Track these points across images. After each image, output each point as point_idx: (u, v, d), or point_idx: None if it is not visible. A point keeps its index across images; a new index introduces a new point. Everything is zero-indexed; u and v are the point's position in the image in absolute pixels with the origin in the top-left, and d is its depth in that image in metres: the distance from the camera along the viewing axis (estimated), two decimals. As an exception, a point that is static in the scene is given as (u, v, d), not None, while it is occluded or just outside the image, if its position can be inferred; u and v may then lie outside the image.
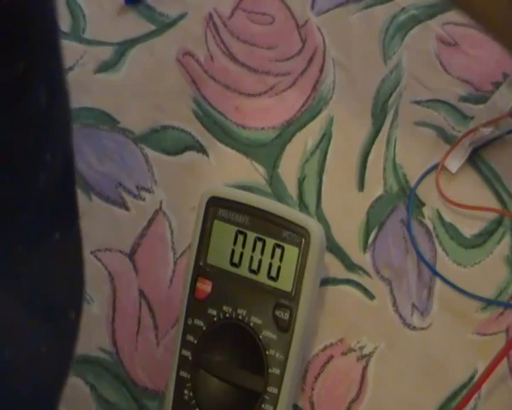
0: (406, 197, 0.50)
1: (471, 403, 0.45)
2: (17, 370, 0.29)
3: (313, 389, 0.47)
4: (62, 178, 0.32)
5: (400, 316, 0.48)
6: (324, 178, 0.51)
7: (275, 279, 0.44)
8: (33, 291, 0.31)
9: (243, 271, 0.45)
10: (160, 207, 0.51)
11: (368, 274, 0.49)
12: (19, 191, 0.30)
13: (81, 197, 0.51)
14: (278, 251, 0.44)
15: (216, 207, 0.45)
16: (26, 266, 0.31)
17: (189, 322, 0.45)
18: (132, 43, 0.56)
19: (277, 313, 0.44)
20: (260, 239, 0.45)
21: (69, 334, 0.33)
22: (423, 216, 0.50)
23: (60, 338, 0.32)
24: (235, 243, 0.45)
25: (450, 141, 0.51)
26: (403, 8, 0.55)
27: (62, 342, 0.32)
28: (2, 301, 0.29)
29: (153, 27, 0.56)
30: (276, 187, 0.51)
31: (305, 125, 0.53)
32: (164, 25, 0.56)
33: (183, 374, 0.45)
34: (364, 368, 0.47)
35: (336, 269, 0.49)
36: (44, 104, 0.29)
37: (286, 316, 0.44)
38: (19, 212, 0.30)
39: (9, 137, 0.28)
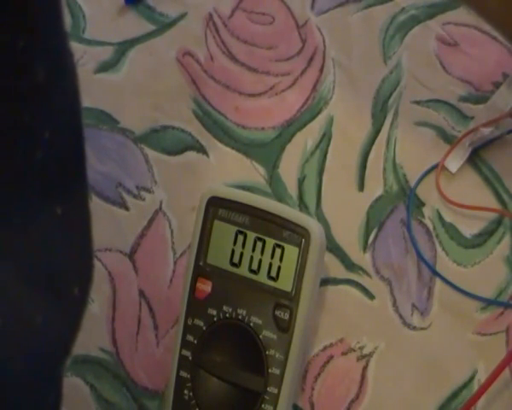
0: (406, 197, 0.50)
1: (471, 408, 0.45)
2: (9, 337, 0.29)
3: (313, 389, 0.47)
4: (66, 156, 0.32)
5: (400, 316, 0.48)
6: (324, 178, 0.51)
7: (275, 279, 0.44)
8: (32, 263, 0.31)
9: (243, 271, 0.45)
10: (160, 207, 0.51)
11: (368, 274, 0.49)
12: (14, 165, 0.30)
13: (81, 197, 0.51)
14: (278, 251, 0.44)
15: (216, 207, 0.45)
16: (23, 239, 0.31)
17: (189, 322, 0.45)
18: (132, 43, 0.56)
19: (277, 313, 0.44)
20: (260, 239, 0.45)
21: (72, 309, 0.33)
22: (423, 216, 0.50)
23: (61, 312, 0.32)
24: (235, 243, 0.45)
25: (451, 141, 0.51)
26: (403, 8, 0.55)
27: (63, 317, 0.32)
28: None
29: (153, 27, 0.56)
30: (276, 187, 0.51)
31: (305, 125, 0.53)
32: (164, 25, 0.56)
33: (183, 374, 0.45)
34: (364, 368, 0.47)
35: (336, 269, 0.49)
36: (42, 81, 0.29)
37: (286, 316, 0.44)
38: (14, 185, 0.30)
39: (5, 110, 0.29)
